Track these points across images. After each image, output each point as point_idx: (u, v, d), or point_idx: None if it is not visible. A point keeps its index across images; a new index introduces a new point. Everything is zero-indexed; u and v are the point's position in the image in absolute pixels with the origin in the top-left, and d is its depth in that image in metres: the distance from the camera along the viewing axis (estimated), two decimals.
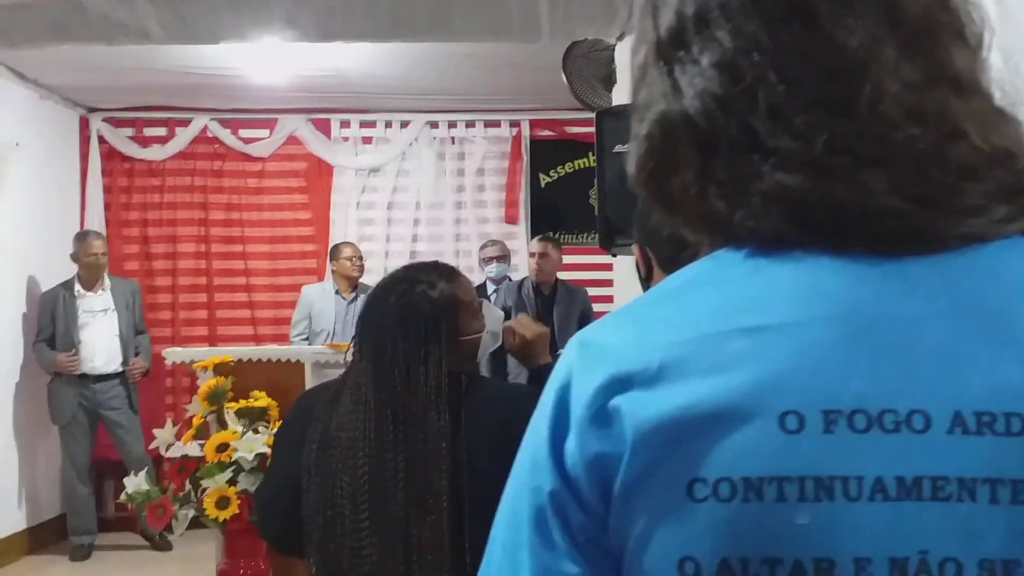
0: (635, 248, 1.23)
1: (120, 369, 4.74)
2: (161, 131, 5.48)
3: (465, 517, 1.41)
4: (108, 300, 4.79)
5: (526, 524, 0.51)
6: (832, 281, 0.49)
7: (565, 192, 5.63)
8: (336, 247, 5.01)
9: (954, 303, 0.48)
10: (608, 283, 4.34)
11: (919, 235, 0.49)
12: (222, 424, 2.94)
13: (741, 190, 0.50)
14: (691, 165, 0.52)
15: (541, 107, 5.44)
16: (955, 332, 0.47)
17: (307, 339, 4.75)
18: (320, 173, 5.59)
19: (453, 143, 5.66)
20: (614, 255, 2.49)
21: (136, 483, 2.89)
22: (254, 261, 5.54)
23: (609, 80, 3.51)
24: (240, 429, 2.86)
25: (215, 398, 2.98)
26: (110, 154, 5.44)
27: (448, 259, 4.92)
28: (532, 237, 5.23)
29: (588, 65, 3.70)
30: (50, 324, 4.67)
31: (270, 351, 3.96)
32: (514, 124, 5.64)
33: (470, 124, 5.63)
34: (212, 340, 5.36)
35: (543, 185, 5.71)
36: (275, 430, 2.50)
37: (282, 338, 5.01)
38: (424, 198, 5.61)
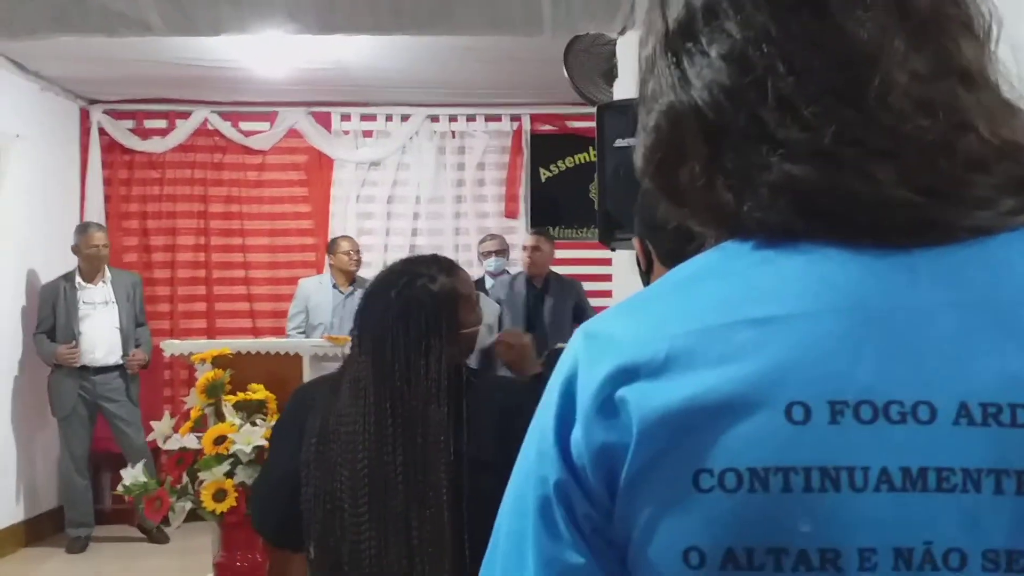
0: (635, 241, 1.23)
1: (120, 361, 4.74)
2: (161, 123, 5.48)
3: (465, 510, 1.42)
4: (109, 292, 4.78)
5: (531, 514, 0.51)
6: (839, 272, 0.49)
7: (565, 186, 5.63)
8: (334, 241, 5.01)
9: (961, 295, 0.48)
10: (608, 277, 4.35)
11: (927, 226, 0.49)
12: (220, 417, 2.93)
13: (749, 181, 0.50)
14: (699, 156, 0.52)
15: (542, 101, 5.44)
16: (962, 324, 0.47)
17: (304, 332, 4.75)
18: (320, 166, 5.59)
19: (453, 137, 5.65)
20: (614, 249, 2.50)
21: (133, 475, 2.88)
22: (253, 254, 5.54)
23: (610, 74, 3.51)
24: (238, 422, 2.85)
25: (213, 390, 2.97)
26: (110, 146, 5.44)
27: (447, 253, 4.90)
28: (544, 232, 5.22)
29: (589, 59, 3.70)
30: (50, 316, 4.67)
31: (268, 344, 3.96)
32: (515, 118, 5.64)
33: (471, 118, 5.62)
34: (211, 333, 5.36)
35: (543, 179, 5.71)
36: (273, 423, 2.50)
37: (281, 331, 5.02)
38: (424, 192, 5.60)
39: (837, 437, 0.46)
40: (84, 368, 4.66)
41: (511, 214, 5.64)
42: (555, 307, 4.75)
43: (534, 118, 5.65)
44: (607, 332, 0.52)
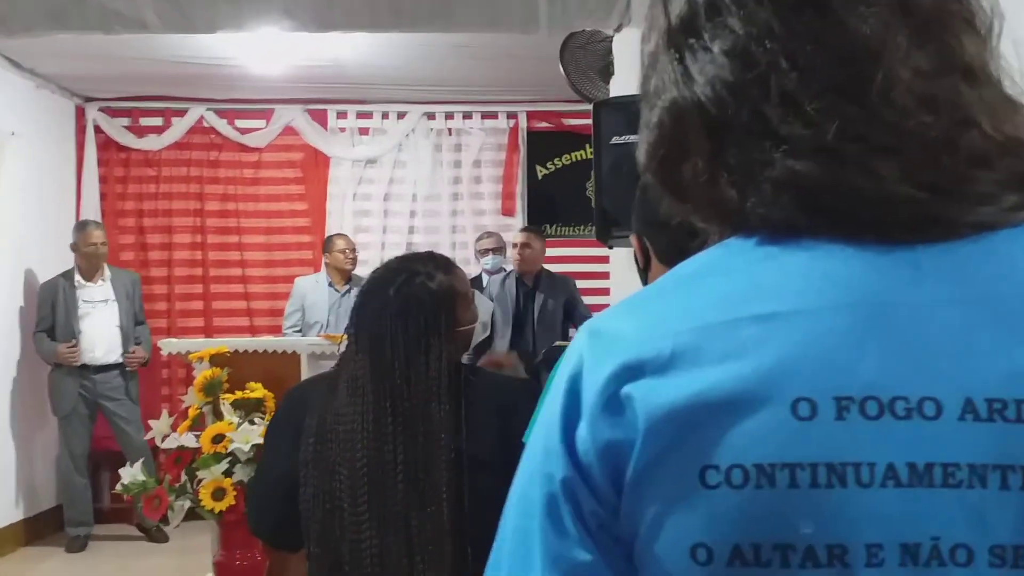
0: (633, 239, 1.23)
1: (120, 360, 4.73)
2: (157, 121, 5.46)
3: (465, 507, 1.41)
4: (108, 290, 4.77)
5: (538, 511, 0.51)
6: (843, 268, 0.49)
7: (562, 184, 5.63)
8: (329, 239, 5.00)
9: (965, 290, 0.48)
10: (605, 275, 4.35)
11: (930, 222, 0.49)
12: (218, 415, 2.93)
13: (752, 177, 0.50)
14: (702, 152, 0.52)
15: (538, 99, 5.43)
16: (966, 319, 0.47)
17: (300, 331, 4.75)
18: (316, 164, 5.58)
19: (450, 134, 5.65)
20: (611, 247, 2.50)
21: (132, 474, 2.88)
22: (250, 252, 5.53)
23: (606, 71, 3.51)
24: (236, 420, 2.85)
25: (211, 389, 2.97)
26: (106, 144, 5.42)
27: (444, 251, 4.91)
28: (535, 229, 5.23)
29: (586, 56, 3.70)
30: (50, 314, 4.66)
31: (266, 342, 3.96)
32: (511, 116, 5.64)
33: (467, 115, 5.62)
34: (208, 331, 5.36)
35: (540, 177, 5.71)
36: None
37: (278, 329, 5.01)
38: (421, 190, 5.60)
39: (843, 433, 0.46)
40: (84, 367, 4.65)
41: (508, 212, 5.64)
42: (545, 304, 4.78)
43: (531, 115, 5.64)
44: (612, 329, 0.52)
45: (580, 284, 5.16)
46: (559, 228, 5.62)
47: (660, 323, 0.50)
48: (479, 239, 5.17)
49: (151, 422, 2.98)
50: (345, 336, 1.55)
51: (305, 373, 3.53)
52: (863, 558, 0.46)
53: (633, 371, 0.49)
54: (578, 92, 3.76)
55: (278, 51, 4.45)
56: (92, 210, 5.30)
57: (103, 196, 5.41)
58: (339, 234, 5.07)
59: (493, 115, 5.63)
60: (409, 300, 1.48)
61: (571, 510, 0.50)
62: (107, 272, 4.81)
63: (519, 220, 5.56)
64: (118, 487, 2.91)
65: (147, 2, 3.05)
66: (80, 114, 5.40)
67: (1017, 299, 0.48)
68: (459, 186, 5.64)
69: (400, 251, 5.13)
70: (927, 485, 0.46)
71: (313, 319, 4.78)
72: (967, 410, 0.46)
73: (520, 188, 5.66)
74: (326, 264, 4.94)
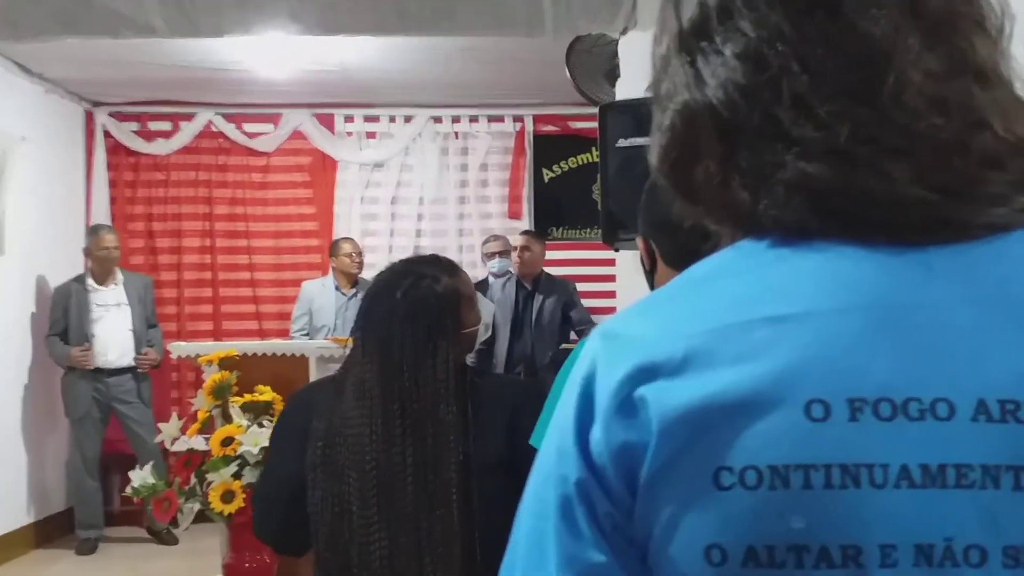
0: (639, 241, 1.23)
1: (133, 363, 4.75)
2: (166, 125, 5.48)
3: (474, 509, 1.42)
4: (121, 294, 4.80)
5: (552, 513, 0.51)
6: (855, 270, 0.49)
7: (568, 187, 5.64)
8: (336, 243, 5.02)
9: (977, 291, 0.48)
10: (611, 278, 4.34)
11: (942, 224, 0.49)
12: (227, 418, 2.94)
13: (764, 179, 0.51)
14: (713, 155, 0.52)
15: (545, 102, 5.43)
16: (978, 320, 0.48)
17: (307, 335, 4.77)
18: (324, 168, 5.59)
19: (457, 138, 5.65)
20: (617, 249, 2.50)
21: (142, 476, 2.89)
22: (259, 256, 5.55)
23: (612, 75, 3.51)
24: (245, 423, 2.86)
25: (220, 392, 2.98)
26: (115, 148, 5.44)
27: (451, 254, 4.94)
28: (535, 232, 5.24)
29: (591, 60, 3.70)
30: (63, 318, 4.68)
31: (275, 345, 3.97)
32: (517, 119, 5.64)
33: (474, 119, 5.62)
34: (217, 335, 5.37)
35: (546, 180, 5.71)
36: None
37: (287, 332, 5.03)
38: (427, 193, 5.61)
39: (857, 434, 0.46)
40: (98, 370, 4.67)
41: (514, 215, 5.64)
42: (543, 307, 4.81)
43: (537, 119, 5.65)
44: (625, 332, 0.52)
45: (586, 287, 5.16)
46: (565, 231, 5.62)
47: (673, 325, 0.51)
48: (485, 242, 5.18)
49: (161, 425, 2.99)
50: (351, 339, 1.55)
51: (314, 376, 3.54)
52: (877, 559, 0.46)
53: (647, 373, 0.49)
54: (584, 95, 3.77)
55: (285, 55, 4.47)
56: (102, 214, 5.33)
57: (112, 200, 5.43)
58: (345, 238, 5.08)
59: (499, 119, 5.63)
60: (416, 303, 1.49)
61: (585, 511, 0.50)
62: (120, 276, 4.84)
63: (526, 223, 5.57)
64: (128, 490, 2.92)
65: (154, 7, 3.07)
66: (89, 119, 5.42)
67: None
68: (466, 189, 5.65)
69: (407, 254, 5.14)
70: (940, 486, 0.46)
71: (320, 323, 4.80)
72: (980, 411, 0.46)
73: (526, 191, 5.67)
74: (333, 268, 4.95)
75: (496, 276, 4.98)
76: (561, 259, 5.41)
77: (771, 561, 0.46)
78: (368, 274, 4.81)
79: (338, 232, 5.41)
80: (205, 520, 2.88)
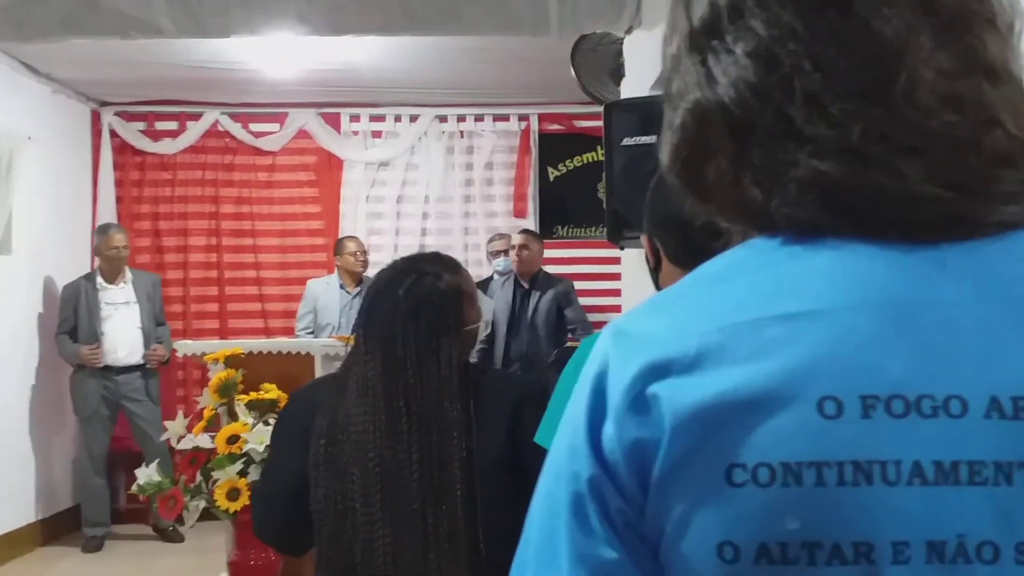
0: (644, 239, 1.23)
1: (142, 361, 4.77)
2: (172, 125, 5.50)
3: (478, 505, 1.42)
4: (130, 293, 4.82)
5: (564, 509, 0.52)
6: (868, 267, 0.49)
7: (573, 186, 5.64)
8: (340, 242, 5.03)
9: (990, 288, 0.48)
10: (617, 276, 4.35)
11: (955, 222, 0.49)
12: (233, 416, 2.94)
13: (776, 177, 0.51)
14: (725, 153, 0.52)
15: (550, 101, 5.44)
16: (991, 317, 0.48)
17: (312, 333, 4.78)
18: (330, 167, 5.60)
19: (462, 137, 5.66)
20: (622, 248, 2.50)
21: (148, 474, 2.90)
22: (265, 254, 5.56)
23: (617, 73, 3.51)
24: (251, 421, 2.86)
25: (226, 390, 2.98)
26: (122, 148, 5.46)
27: (456, 252, 4.95)
28: (541, 231, 5.25)
29: (596, 59, 3.70)
30: (72, 316, 4.70)
31: (280, 343, 3.98)
32: (523, 118, 5.64)
33: (479, 118, 5.63)
34: (223, 333, 5.39)
35: (551, 179, 5.71)
36: None
37: (292, 331, 5.04)
38: (433, 192, 5.61)
39: (869, 431, 0.46)
40: (107, 368, 4.69)
41: (520, 213, 5.64)
42: (539, 304, 4.83)
43: (542, 118, 5.65)
44: (637, 329, 0.53)
45: (592, 285, 5.17)
46: (570, 229, 5.62)
47: (685, 323, 0.51)
48: (491, 241, 5.18)
49: (167, 423, 3.00)
50: (353, 336, 1.56)
51: (319, 374, 3.55)
52: (889, 556, 0.46)
53: (659, 370, 0.49)
54: (589, 94, 3.77)
55: (291, 55, 4.48)
56: (108, 214, 5.34)
57: (119, 200, 5.44)
58: (350, 236, 5.09)
59: (504, 118, 5.64)
60: (419, 301, 1.49)
61: (597, 509, 0.50)
62: (128, 274, 4.86)
63: (531, 222, 5.57)
64: (134, 488, 2.93)
65: (161, 7, 3.08)
66: (96, 118, 5.44)
67: None
68: (471, 188, 5.65)
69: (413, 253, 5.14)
70: (953, 483, 0.46)
71: (325, 321, 4.81)
72: (992, 408, 0.46)
73: (532, 190, 5.67)
74: (337, 267, 4.96)
75: (501, 274, 4.99)
76: (566, 257, 5.42)
77: (783, 558, 0.46)
78: (372, 273, 4.82)
79: (344, 231, 5.42)
80: (211, 518, 2.88)
